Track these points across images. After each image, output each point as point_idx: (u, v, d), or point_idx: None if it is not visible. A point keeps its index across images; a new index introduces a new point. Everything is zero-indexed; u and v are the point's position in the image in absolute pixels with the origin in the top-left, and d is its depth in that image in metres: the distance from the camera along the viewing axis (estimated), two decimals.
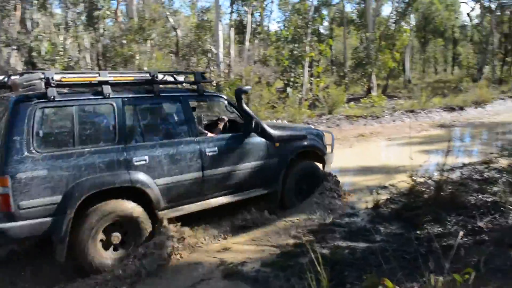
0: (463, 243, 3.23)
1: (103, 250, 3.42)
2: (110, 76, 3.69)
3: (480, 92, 15.73)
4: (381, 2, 19.59)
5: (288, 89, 13.24)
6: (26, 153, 3.14)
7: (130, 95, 3.76)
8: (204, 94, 4.31)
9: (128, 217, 3.52)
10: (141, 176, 3.63)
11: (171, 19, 14.74)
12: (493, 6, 24.57)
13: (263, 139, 4.53)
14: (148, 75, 3.96)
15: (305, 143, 4.93)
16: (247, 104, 4.59)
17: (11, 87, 3.37)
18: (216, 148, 4.16)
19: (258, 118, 4.47)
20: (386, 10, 31.43)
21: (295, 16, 14.27)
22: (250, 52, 15.36)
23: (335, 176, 5.22)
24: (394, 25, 18.16)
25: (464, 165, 6.44)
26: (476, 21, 31.77)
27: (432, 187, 4.48)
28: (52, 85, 3.32)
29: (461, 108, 14.13)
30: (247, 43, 15.15)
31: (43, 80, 3.34)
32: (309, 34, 14.30)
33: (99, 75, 3.66)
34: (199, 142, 4.07)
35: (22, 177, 3.07)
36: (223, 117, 4.99)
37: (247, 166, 4.36)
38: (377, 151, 8.79)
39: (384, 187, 5.54)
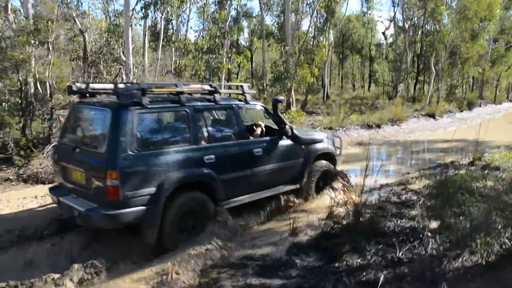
0: (384, 281, 3.27)
1: (180, 233, 4.55)
2: (184, 87, 4.93)
3: (396, 110, 17.23)
4: (300, 16, 20.65)
5: None
6: (129, 152, 4.25)
7: (199, 103, 5.04)
8: (249, 103, 5.69)
9: (200, 206, 4.76)
10: (210, 172, 4.84)
11: (78, 22, 13.77)
12: (406, 25, 27.72)
13: (292, 142, 5.93)
14: (210, 87, 5.25)
15: (323, 146, 6.43)
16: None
17: (116, 94, 4.48)
18: (260, 149, 5.49)
19: (289, 124, 5.90)
20: (306, 24, 33.56)
21: (212, 25, 14.22)
22: (162, 62, 14.83)
23: (347, 174, 6.77)
24: (313, 40, 19.23)
25: (382, 186, 6.83)
26: (391, 40, 35.61)
27: (350, 212, 4.64)
28: (147, 95, 4.48)
29: (378, 126, 15.15)
30: (159, 51, 14.53)
31: (140, 90, 4.49)
32: (227, 45, 14.26)
33: (177, 86, 4.89)
34: (249, 144, 5.40)
35: (127, 172, 4.17)
36: (259, 122, 6.34)
37: (282, 164, 5.74)
38: None
39: (303, 211, 5.71)
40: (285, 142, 5.89)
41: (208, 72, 13.04)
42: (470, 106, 25.70)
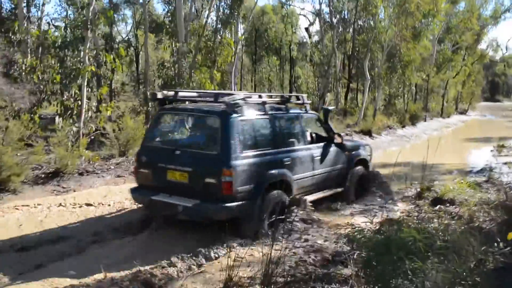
0: None
1: (269, 226, 7.09)
2: (266, 98, 8.03)
3: None
4: (200, 4, 21.00)
5: (57, 119, 12.57)
6: (238, 153, 6.84)
7: (277, 112, 7.93)
8: (308, 112, 8.86)
9: (283, 202, 7.36)
10: (288, 173, 7.58)
11: None
12: (334, 20, 29.61)
13: (339, 149, 9.02)
14: (282, 97, 8.47)
15: (361, 152, 9.70)
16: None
17: (225, 103, 7.21)
18: (319, 154, 8.47)
19: (338, 132, 9.29)
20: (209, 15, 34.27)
21: (72, 11, 13.91)
22: None
23: (383, 177, 10.11)
24: (215, 35, 19.69)
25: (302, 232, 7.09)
26: (316, 38, 37.80)
27: (258, 276, 4.89)
28: (246, 104, 7.34)
29: None
30: None
31: (242, 100, 7.24)
32: (92, 39, 14.03)
33: (261, 97, 7.96)
34: (310, 149, 8.39)
35: (238, 170, 6.75)
36: (307, 129, 9.15)
37: (332, 168, 8.78)
38: None
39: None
40: (334, 148, 9.03)
41: (64, 76, 12.69)
42: (414, 120, 28.13)
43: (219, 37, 19.75)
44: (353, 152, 9.58)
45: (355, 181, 9.47)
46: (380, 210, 8.25)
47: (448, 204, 8.32)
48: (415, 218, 6.94)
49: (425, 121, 30.38)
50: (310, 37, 36.40)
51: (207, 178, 6.98)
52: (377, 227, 5.94)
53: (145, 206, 7.80)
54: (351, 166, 9.41)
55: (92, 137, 13.11)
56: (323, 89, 28.26)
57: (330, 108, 10.08)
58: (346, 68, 30.46)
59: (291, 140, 8.17)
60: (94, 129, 13.26)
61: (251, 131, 7.44)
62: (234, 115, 7.16)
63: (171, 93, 8.03)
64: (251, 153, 7.20)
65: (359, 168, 9.63)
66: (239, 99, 7.27)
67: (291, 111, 8.43)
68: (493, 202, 7.47)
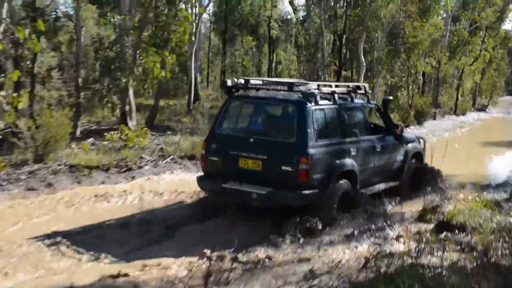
0: None
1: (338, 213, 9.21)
2: (335, 87, 9.96)
3: None
4: None
5: None
6: (314, 142, 8.78)
7: (345, 102, 9.86)
8: (370, 102, 11.11)
9: (349, 193, 9.37)
10: (354, 163, 9.49)
11: None
12: None
13: (397, 141, 10.84)
14: (348, 87, 10.33)
15: (416, 145, 11.53)
16: None
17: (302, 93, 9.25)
18: (380, 145, 10.30)
19: (399, 124, 11.31)
20: None
21: None
22: None
23: (439, 171, 11.82)
24: (167, 7, 19.02)
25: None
26: (302, 14, 37.36)
27: None
28: (320, 93, 9.29)
29: None
30: None
31: (317, 89, 9.21)
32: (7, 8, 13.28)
33: (331, 87, 9.89)
34: (373, 140, 10.23)
35: (314, 158, 8.68)
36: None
37: (391, 161, 10.68)
38: None
39: None
40: (392, 140, 10.87)
41: None
42: (420, 117, 28.02)
43: (173, 10, 19.15)
44: (409, 145, 11.51)
45: (410, 175, 11.42)
46: (368, 236, 8.50)
47: (457, 231, 8.29)
48: (413, 251, 6.94)
49: (434, 119, 30.38)
50: (295, 12, 35.89)
51: (283, 165, 8.76)
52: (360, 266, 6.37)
53: (215, 194, 9.75)
54: (407, 159, 11.34)
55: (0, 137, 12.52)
56: (308, 77, 27.92)
57: (390, 98, 12.66)
58: (335, 51, 30.20)
59: (356, 130, 10.02)
60: (3, 125, 12.64)
61: (323, 121, 9.29)
62: (311, 104, 9.01)
63: (242, 81, 9.93)
64: (324, 142, 9.08)
65: (414, 161, 11.63)
66: (314, 89, 9.18)
67: (355, 101, 10.37)
68: None
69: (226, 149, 9.33)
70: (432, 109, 31.56)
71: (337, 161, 9.21)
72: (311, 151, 8.76)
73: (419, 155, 11.81)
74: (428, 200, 9.85)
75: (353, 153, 9.57)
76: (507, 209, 9.76)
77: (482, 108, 45.73)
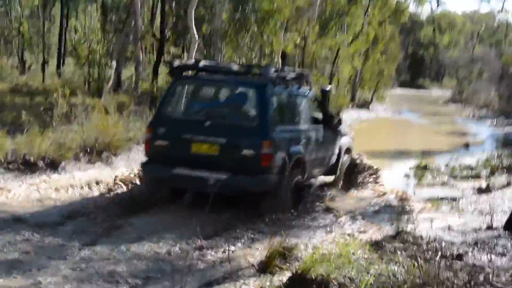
0: None
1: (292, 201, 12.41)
2: (288, 73, 13.18)
3: (103, 126, 16.89)
4: None
5: None
6: (275, 126, 11.66)
7: (296, 88, 13.33)
8: (312, 90, 14.34)
9: (301, 181, 12.96)
10: (304, 151, 12.77)
11: None
12: None
13: (335, 133, 14.57)
14: (298, 74, 13.65)
15: (349, 140, 15.66)
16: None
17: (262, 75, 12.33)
18: (322, 137, 13.81)
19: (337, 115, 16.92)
20: None
21: None
22: None
23: (377, 168, 16.12)
24: None
25: None
26: None
27: None
28: (278, 78, 12.29)
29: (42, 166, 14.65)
30: None
31: (276, 72, 12.31)
32: None
33: (285, 72, 12.89)
34: (317, 130, 13.76)
35: (276, 142, 11.50)
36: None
37: (330, 153, 14.41)
38: None
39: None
40: (331, 132, 13.92)
41: None
42: None
43: None
44: (343, 139, 14.78)
45: (344, 169, 15.00)
46: None
47: None
48: None
49: None
50: None
51: (244, 150, 11.00)
52: None
53: (163, 181, 11.90)
54: (341, 153, 14.64)
55: None
56: (117, 54, 27.10)
57: (328, 88, 15.27)
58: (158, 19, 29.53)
59: (304, 118, 13.02)
60: None
61: (281, 106, 12.05)
62: (271, 88, 11.57)
63: (191, 61, 13.05)
64: (282, 127, 11.70)
65: (348, 156, 15.23)
66: (274, 72, 11.88)
67: (302, 89, 13.30)
68: (403, 284, 7.62)
69: (177, 133, 11.55)
70: None
71: (292, 148, 11.92)
72: (274, 135, 11.33)
73: (350, 151, 15.48)
74: (275, 240, 9.29)
75: (303, 141, 12.46)
76: (391, 253, 9.72)
77: (364, 104, 46.85)
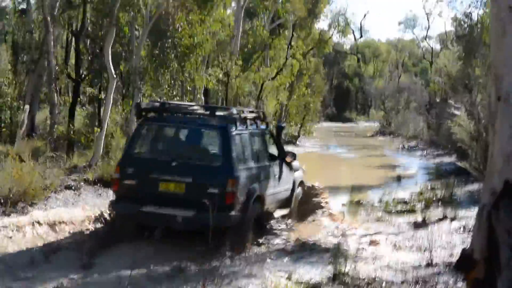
0: None
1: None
2: (248, 113, 15.28)
3: None
4: None
5: None
6: (237, 165, 13.08)
7: (254, 128, 15.01)
8: (269, 128, 17.15)
9: (260, 217, 14.94)
10: (263, 188, 14.60)
11: None
12: None
13: (289, 168, 16.33)
14: (257, 113, 16.05)
15: (302, 174, 17.88)
16: None
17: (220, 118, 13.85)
18: (278, 171, 15.64)
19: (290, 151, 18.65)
20: None
21: None
22: None
23: (326, 202, 18.68)
24: None
25: None
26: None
27: None
28: (241, 119, 14.33)
29: None
30: None
31: (238, 114, 14.14)
32: None
33: (243, 112, 14.88)
34: (273, 166, 15.46)
35: (239, 181, 12.93)
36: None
37: (284, 187, 16.09)
38: None
39: None
40: (285, 167, 15.63)
41: None
42: None
43: None
44: (296, 173, 16.56)
45: (298, 202, 16.82)
46: None
47: None
48: None
49: None
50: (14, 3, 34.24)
51: (210, 188, 12.26)
52: None
53: (132, 218, 12.98)
54: (295, 186, 16.40)
55: None
56: (30, 96, 26.34)
57: (283, 125, 18.88)
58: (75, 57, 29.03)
59: (261, 156, 14.47)
60: None
61: (241, 145, 13.33)
62: (234, 129, 13.06)
63: (157, 104, 14.35)
64: (244, 166, 13.02)
65: (300, 190, 17.03)
66: (236, 114, 13.58)
67: (260, 127, 14.96)
68: None
69: (145, 173, 12.81)
70: None
71: (252, 185, 13.23)
72: (237, 174, 12.60)
73: (303, 183, 17.46)
74: None
75: (261, 178, 13.90)
76: None
77: (291, 141, 46.63)
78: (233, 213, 12.49)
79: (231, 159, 12.74)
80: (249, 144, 13.92)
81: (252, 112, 15.28)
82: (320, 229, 15.56)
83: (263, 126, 15.46)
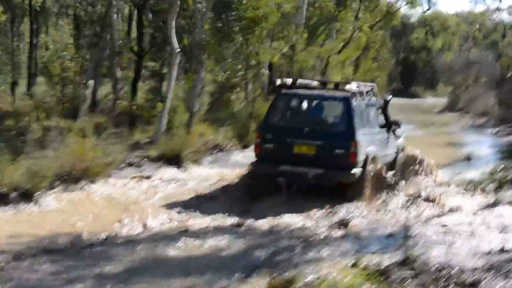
0: None
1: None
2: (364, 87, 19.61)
3: None
4: None
5: None
6: (358, 130, 16.87)
7: (369, 99, 18.98)
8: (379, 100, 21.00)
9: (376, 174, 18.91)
10: (377, 150, 18.53)
11: None
12: None
13: (394, 135, 20.24)
14: (371, 87, 20.18)
15: (403, 141, 21.75)
16: None
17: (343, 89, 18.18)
18: (387, 137, 19.65)
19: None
20: None
21: None
22: None
23: (423, 160, 22.01)
24: None
25: None
26: None
27: None
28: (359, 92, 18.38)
29: None
30: None
31: (358, 87, 18.46)
32: None
33: (361, 87, 19.44)
34: (384, 132, 19.48)
35: (360, 143, 16.71)
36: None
37: (393, 151, 20.26)
38: None
39: None
40: (392, 134, 19.13)
41: None
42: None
43: None
44: (399, 140, 19.66)
45: (401, 165, 19.43)
46: None
47: None
48: None
49: None
50: None
51: (336, 149, 15.77)
52: None
53: (271, 176, 16.12)
54: (398, 152, 19.53)
55: None
56: (93, 71, 26.71)
57: (389, 98, 19.81)
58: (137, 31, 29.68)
59: (374, 123, 17.72)
60: None
61: (360, 114, 16.50)
62: (355, 100, 16.32)
63: (289, 80, 17.88)
64: (362, 131, 16.15)
65: (403, 154, 19.92)
66: (356, 88, 16.88)
67: (373, 99, 17.99)
68: None
69: (281, 138, 16.25)
70: None
71: (370, 147, 16.53)
72: (358, 137, 15.85)
73: (403, 149, 20.45)
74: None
75: (375, 142, 17.11)
76: (399, 283, 9.66)
77: None
78: (355, 170, 15.76)
79: (353, 125, 15.94)
80: (365, 113, 17.16)
81: (366, 86, 18.50)
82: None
83: (374, 99, 18.33)
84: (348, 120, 16.35)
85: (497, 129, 42.48)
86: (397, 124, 19.53)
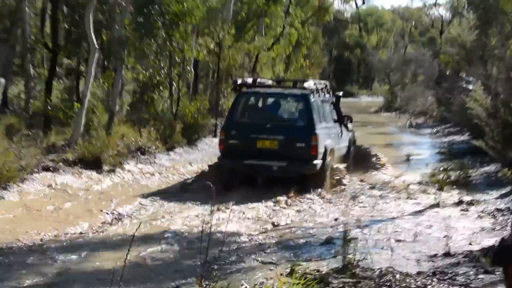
0: None
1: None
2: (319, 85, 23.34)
3: None
4: None
5: None
6: (317, 125, 20.17)
7: (324, 95, 23.21)
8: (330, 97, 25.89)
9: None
10: (333, 143, 22.37)
11: None
12: None
13: (346, 129, 24.69)
14: (325, 85, 24.08)
15: (355, 134, 27.92)
16: None
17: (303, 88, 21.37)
18: (340, 131, 23.78)
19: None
20: None
21: None
22: None
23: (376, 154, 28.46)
24: None
25: None
26: None
27: None
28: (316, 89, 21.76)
29: None
30: None
31: (315, 85, 21.86)
32: None
33: (315, 84, 22.42)
34: (336, 126, 23.44)
35: (319, 137, 19.84)
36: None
37: (346, 144, 24.64)
38: None
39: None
40: (344, 128, 23.03)
41: None
42: (192, 135, 28.47)
43: None
44: (351, 134, 23.39)
45: (353, 158, 23.05)
46: None
47: None
48: None
49: (215, 135, 30.54)
50: None
51: (298, 143, 18.33)
52: None
53: (237, 170, 18.89)
54: (351, 144, 23.20)
55: None
56: (2, 68, 26.38)
57: (340, 94, 23.15)
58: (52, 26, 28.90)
59: (329, 118, 20.66)
60: None
61: (318, 110, 19.27)
62: (313, 97, 19.17)
63: (250, 79, 20.96)
64: (320, 126, 18.88)
65: (354, 147, 23.78)
66: (313, 85, 19.43)
67: (326, 96, 21.06)
68: None
69: (245, 134, 18.63)
70: (211, 119, 31.78)
71: (328, 140, 19.15)
72: (318, 131, 18.37)
73: (355, 143, 24.61)
74: None
75: (332, 135, 19.93)
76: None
77: None
78: (316, 161, 18.29)
79: (313, 120, 18.55)
80: (322, 109, 19.93)
81: (321, 84, 21.04)
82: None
83: (327, 95, 21.39)
84: (308, 115, 18.83)
85: (435, 129, 42.99)
86: (349, 119, 22.98)
